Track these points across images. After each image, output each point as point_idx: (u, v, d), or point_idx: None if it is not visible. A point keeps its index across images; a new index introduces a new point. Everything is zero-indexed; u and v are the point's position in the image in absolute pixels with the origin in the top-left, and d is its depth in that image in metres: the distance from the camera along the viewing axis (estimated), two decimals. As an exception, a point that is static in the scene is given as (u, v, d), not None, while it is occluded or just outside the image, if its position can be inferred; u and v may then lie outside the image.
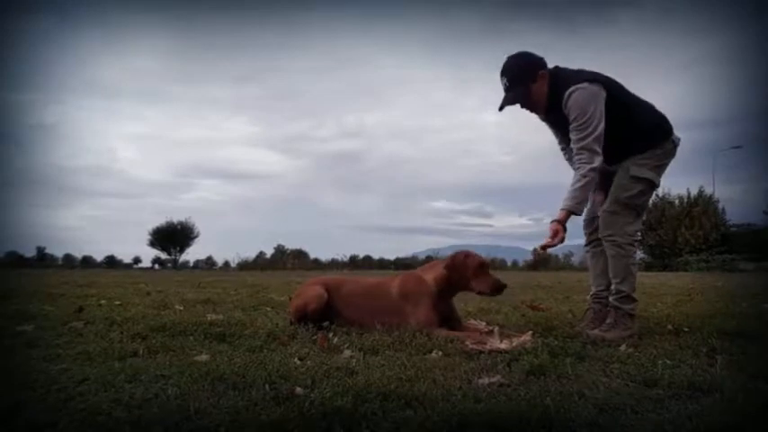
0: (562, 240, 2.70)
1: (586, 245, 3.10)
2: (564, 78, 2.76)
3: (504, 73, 2.83)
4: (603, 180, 2.89)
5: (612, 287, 2.81)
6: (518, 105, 2.87)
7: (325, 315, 2.87)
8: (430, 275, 2.81)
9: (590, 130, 2.66)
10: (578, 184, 2.68)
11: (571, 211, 2.70)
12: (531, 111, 2.91)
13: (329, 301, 2.90)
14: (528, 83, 2.78)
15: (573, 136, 2.72)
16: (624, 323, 2.73)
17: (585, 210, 2.96)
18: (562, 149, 3.11)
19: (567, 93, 2.69)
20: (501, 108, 2.88)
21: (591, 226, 3.02)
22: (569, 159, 2.97)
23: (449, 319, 2.78)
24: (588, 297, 3.12)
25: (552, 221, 2.71)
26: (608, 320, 2.78)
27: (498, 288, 2.70)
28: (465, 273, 2.72)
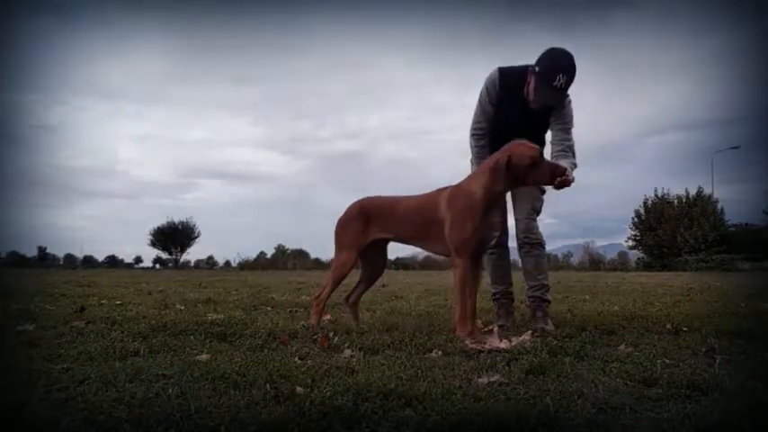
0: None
1: (494, 248, 3.21)
2: None
3: (566, 71, 2.77)
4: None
5: (536, 283, 3.07)
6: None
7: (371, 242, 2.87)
8: (477, 184, 2.58)
9: (572, 135, 3.00)
10: (572, 167, 2.81)
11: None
12: (538, 104, 2.93)
13: (379, 220, 2.83)
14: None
15: (562, 135, 2.98)
16: (548, 313, 3.08)
17: None
18: (480, 130, 3.17)
19: (568, 99, 2.99)
20: (550, 104, 2.90)
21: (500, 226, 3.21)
22: (481, 138, 3.17)
23: (486, 239, 2.66)
24: (496, 297, 3.28)
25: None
26: (538, 314, 3.02)
27: (556, 174, 2.49)
28: (516, 173, 2.49)
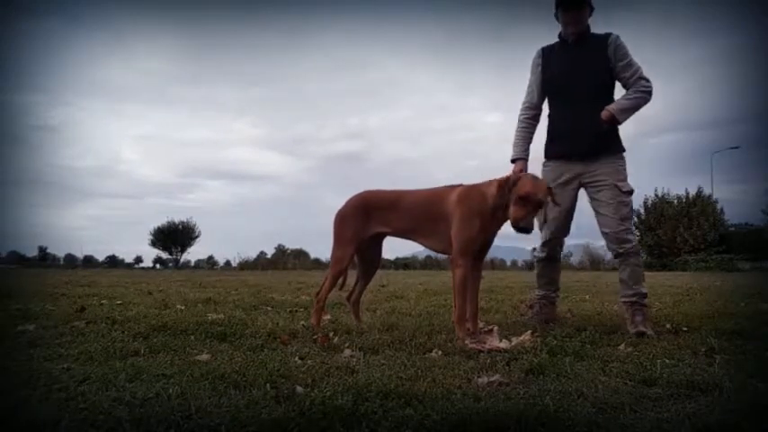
0: None
1: (543, 259, 3.31)
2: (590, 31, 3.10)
3: None
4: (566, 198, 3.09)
5: (632, 292, 2.94)
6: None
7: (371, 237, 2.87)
8: (491, 190, 2.55)
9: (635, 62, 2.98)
10: (642, 98, 2.95)
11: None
12: (573, 26, 3.05)
13: (381, 213, 2.80)
14: (589, 4, 3.05)
15: (628, 71, 2.97)
16: (648, 317, 2.96)
17: (546, 231, 3.21)
18: (525, 102, 3.27)
19: (616, 36, 3.01)
20: (570, 9, 3.03)
21: (555, 242, 3.24)
22: (525, 111, 3.27)
23: (489, 242, 2.66)
24: (535, 297, 3.40)
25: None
26: (638, 318, 2.86)
27: (518, 221, 2.37)
28: (508, 197, 2.45)
